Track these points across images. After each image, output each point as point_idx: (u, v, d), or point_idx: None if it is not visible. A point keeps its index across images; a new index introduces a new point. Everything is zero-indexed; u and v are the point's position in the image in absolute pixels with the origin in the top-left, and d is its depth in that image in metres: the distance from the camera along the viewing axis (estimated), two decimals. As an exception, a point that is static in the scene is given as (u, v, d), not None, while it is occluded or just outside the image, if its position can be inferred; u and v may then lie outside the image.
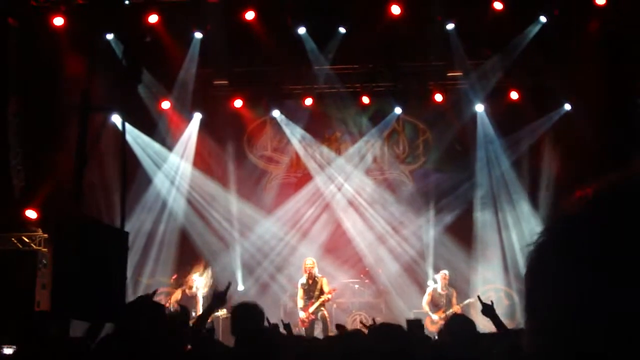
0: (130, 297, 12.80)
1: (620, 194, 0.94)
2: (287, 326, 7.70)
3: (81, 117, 4.93)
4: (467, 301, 14.07)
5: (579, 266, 0.91)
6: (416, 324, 7.85)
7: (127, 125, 7.30)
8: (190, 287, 12.88)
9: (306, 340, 7.69)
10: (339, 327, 9.08)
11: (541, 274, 0.98)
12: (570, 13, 14.88)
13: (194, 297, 12.76)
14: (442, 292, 13.68)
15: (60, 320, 4.50)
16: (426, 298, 13.87)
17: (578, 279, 0.91)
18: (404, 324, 7.47)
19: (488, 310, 6.23)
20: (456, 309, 13.38)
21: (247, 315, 5.79)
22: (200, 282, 13.09)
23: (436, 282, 14.11)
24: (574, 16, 14.76)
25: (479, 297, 6.92)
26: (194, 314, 12.46)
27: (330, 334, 11.79)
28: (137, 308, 4.39)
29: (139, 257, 15.05)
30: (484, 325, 7.20)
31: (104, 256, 4.87)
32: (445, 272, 13.90)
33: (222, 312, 12.79)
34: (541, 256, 0.98)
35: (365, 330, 5.74)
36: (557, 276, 0.94)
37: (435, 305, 13.70)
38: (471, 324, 5.61)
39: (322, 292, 13.13)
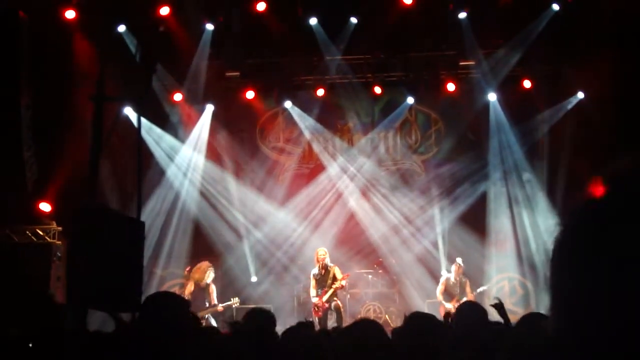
0: (144, 288, 12.92)
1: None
2: (309, 324, 7.60)
3: (95, 107, 4.93)
4: (481, 289, 14.01)
5: (602, 250, 0.91)
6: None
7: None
8: (202, 279, 12.92)
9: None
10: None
11: (565, 258, 0.98)
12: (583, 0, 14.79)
13: (206, 289, 12.81)
14: (456, 281, 13.59)
15: (76, 311, 4.50)
16: (440, 287, 13.77)
17: (601, 263, 0.90)
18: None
19: (498, 307, 6.23)
20: (470, 297, 13.27)
21: (257, 318, 5.55)
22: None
23: (450, 271, 14.05)
24: (586, 3, 14.65)
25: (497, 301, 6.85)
26: (207, 304, 12.56)
27: (345, 324, 11.74)
28: (155, 301, 4.36)
29: (153, 249, 15.08)
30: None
31: (120, 245, 4.88)
32: (459, 262, 13.76)
33: (235, 301, 12.89)
34: (566, 239, 0.98)
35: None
36: (580, 261, 0.93)
37: (449, 294, 13.61)
38: (482, 310, 5.53)
39: (334, 281, 13.05)
